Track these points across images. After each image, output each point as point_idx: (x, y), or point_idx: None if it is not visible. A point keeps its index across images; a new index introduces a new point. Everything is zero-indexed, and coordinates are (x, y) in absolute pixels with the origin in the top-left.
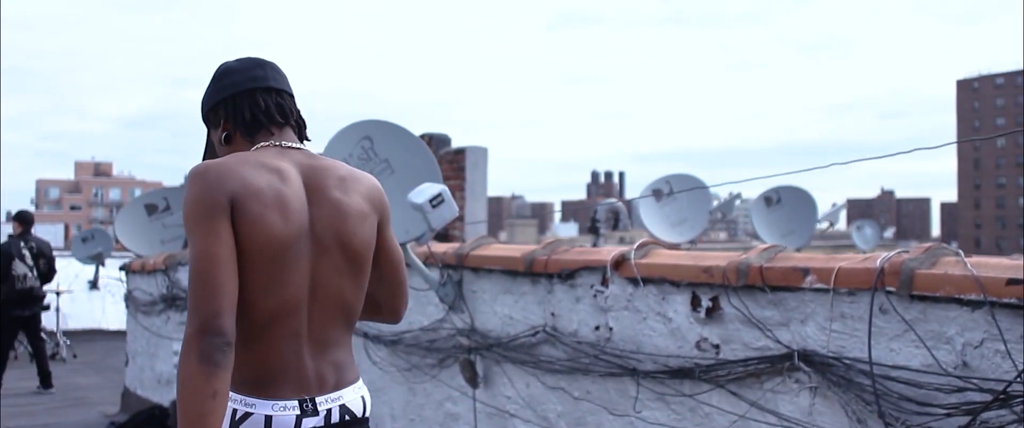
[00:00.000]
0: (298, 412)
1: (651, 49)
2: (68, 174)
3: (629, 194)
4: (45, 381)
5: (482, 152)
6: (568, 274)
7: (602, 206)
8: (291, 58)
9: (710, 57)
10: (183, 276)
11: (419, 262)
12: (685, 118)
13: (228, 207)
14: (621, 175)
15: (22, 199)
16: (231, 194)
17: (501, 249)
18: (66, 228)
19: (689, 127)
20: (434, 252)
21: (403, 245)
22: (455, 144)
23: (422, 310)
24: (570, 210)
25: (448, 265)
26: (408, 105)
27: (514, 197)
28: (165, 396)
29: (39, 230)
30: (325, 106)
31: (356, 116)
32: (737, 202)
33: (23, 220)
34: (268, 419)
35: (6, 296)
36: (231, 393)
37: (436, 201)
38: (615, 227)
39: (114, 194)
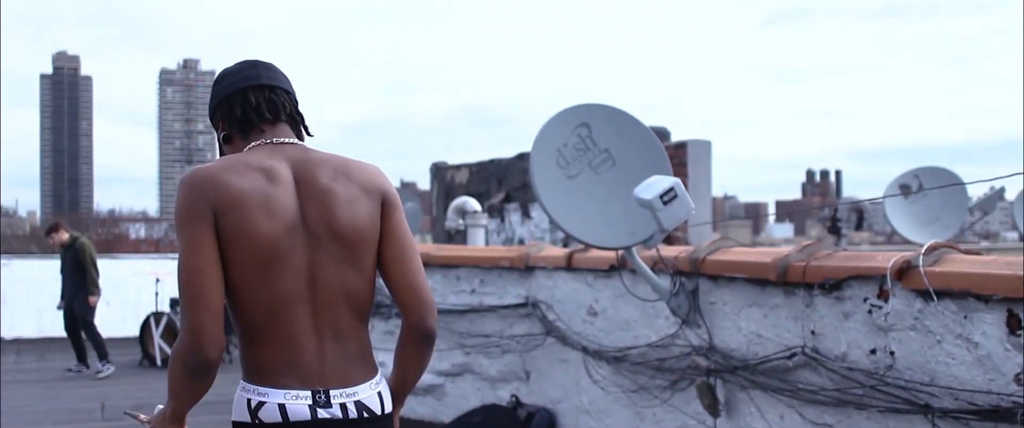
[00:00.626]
0: (311, 402)
1: (866, 43)
2: None
3: (847, 193)
4: None
5: (705, 146)
6: (833, 284)
7: (842, 205)
8: (502, 61)
9: (930, 49)
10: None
11: (646, 268)
12: (905, 113)
13: (210, 215)
14: (838, 173)
15: None
16: (212, 202)
17: (746, 253)
18: None
19: (910, 123)
20: (664, 257)
21: (627, 249)
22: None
23: (650, 323)
24: (785, 210)
25: (681, 272)
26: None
27: (726, 197)
28: None
29: None
30: (537, 109)
31: None
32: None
33: None
34: (282, 407)
35: None
36: (244, 383)
37: (668, 197)
38: (859, 227)
39: None
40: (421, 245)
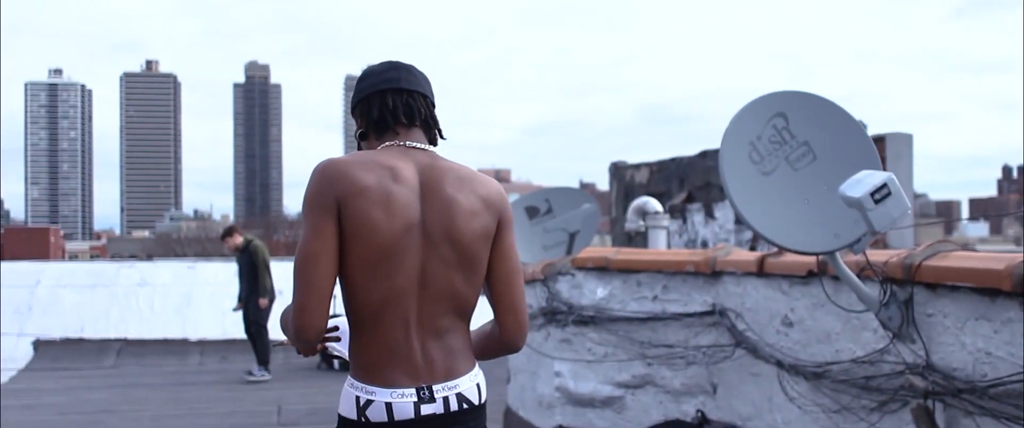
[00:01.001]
0: (416, 399)
1: None
2: None
3: None
4: None
5: (906, 140)
6: None
7: None
8: (679, 59)
9: None
10: (563, 287)
11: (852, 275)
12: None
13: (334, 206)
14: None
15: None
16: (338, 194)
17: (971, 258)
18: None
19: None
20: (872, 262)
21: (830, 253)
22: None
23: (855, 336)
24: (979, 208)
25: (891, 279)
26: None
27: (917, 196)
28: (547, 421)
29: None
30: (718, 107)
31: None
32: None
33: None
34: (388, 406)
35: None
36: (353, 380)
37: (879, 194)
38: None
39: (512, 200)
40: (599, 249)
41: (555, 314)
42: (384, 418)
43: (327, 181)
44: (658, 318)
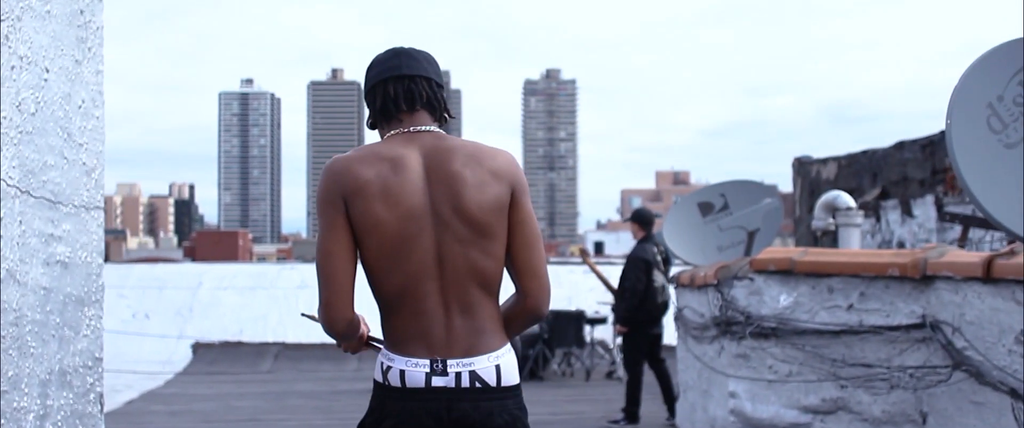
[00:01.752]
0: (428, 370)
1: None
2: (649, 183)
3: None
4: (674, 409)
5: None
6: None
7: None
8: (863, 55)
9: None
10: (740, 293)
11: None
12: None
13: (341, 203)
14: None
15: (607, 208)
16: (342, 191)
17: None
18: None
19: None
20: None
21: None
22: None
23: None
24: None
25: None
26: None
27: None
28: None
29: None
30: (907, 103)
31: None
32: None
33: (643, 220)
34: (402, 373)
35: (646, 312)
36: (384, 349)
37: None
38: None
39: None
40: (782, 249)
41: (730, 325)
42: (398, 383)
43: (331, 180)
44: (854, 331)
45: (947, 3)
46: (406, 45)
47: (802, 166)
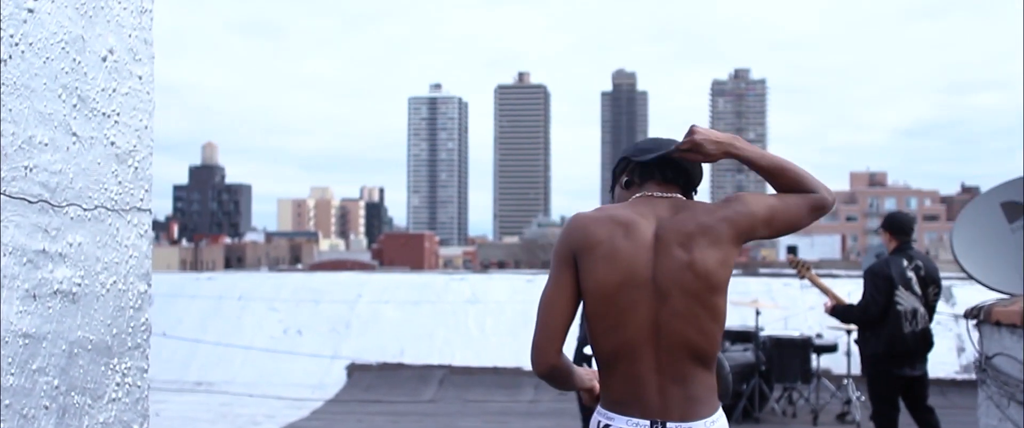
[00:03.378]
0: None
1: None
2: (843, 185)
3: None
4: None
5: None
6: None
7: None
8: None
9: None
10: None
11: None
12: None
13: (571, 258)
14: None
15: None
16: (574, 247)
17: None
18: (842, 240)
19: None
20: None
21: None
22: None
23: None
24: None
25: None
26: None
27: None
28: None
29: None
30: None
31: None
32: None
33: (897, 227)
34: None
35: (886, 345)
36: (599, 407)
37: None
38: None
39: (888, 204)
40: None
41: None
42: None
43: (567, 234)
44: None
45: None
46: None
47: None
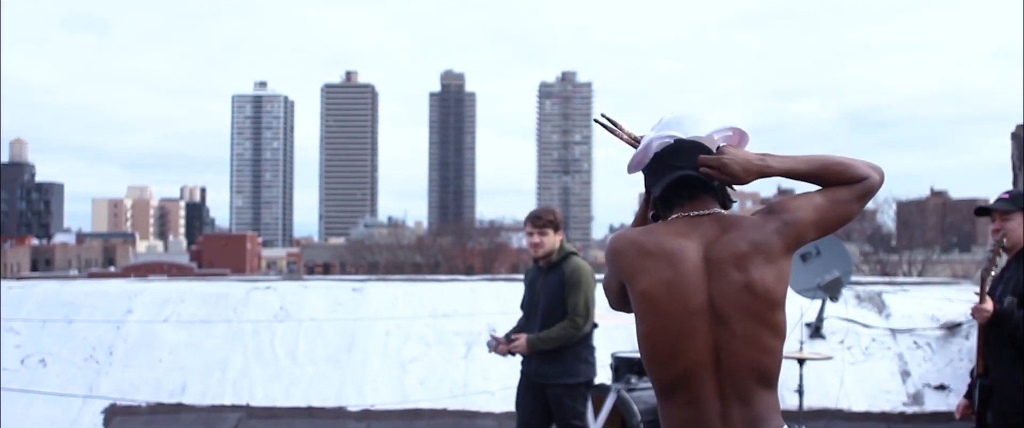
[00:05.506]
0: None
1: None
2: None
3: None
4: None
5: None
6: None
7: None
8: (887, 61)
9: None
10: None
11: None
12: None
13: (619, 279)
14: None
15: (624, 212)
16: (619, 272)
17: None
18: None
19: None
20: None
21: None
22: None
23: None
24: None
25: None
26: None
27: None
28: None
29: None
30: (935, 110)
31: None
32: None
33: None
34: None
35: None
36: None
37: None
38: None
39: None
40: None
41: None
42: None
43: (612, 258)
44: None
45: (981, 5)
46: (684, 139)
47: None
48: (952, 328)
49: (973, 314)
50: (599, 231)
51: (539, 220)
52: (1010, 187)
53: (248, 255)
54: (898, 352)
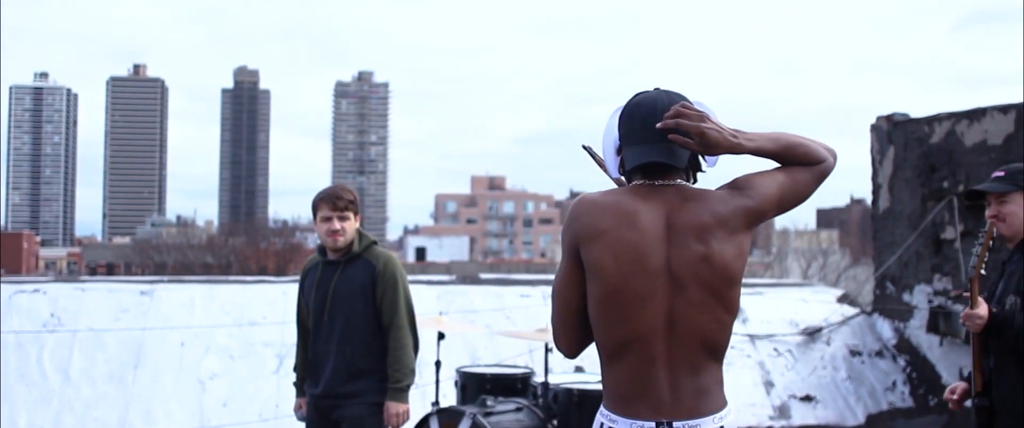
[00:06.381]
0: None
1: None
2: (464, 189)
3: None
4: None
5: None
6: None
7: None
8: (675, 71)
9: None
10: None
11: None
12: None
13: (574, 246)
14: None
15: (421, 213)
16: (575, 235)
17: None
18: (471, 242)
19: None
20: None
21: None
22: None
23: None
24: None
25: None
26: (804, 113)
27: None
28: None
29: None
30: (727, 118)
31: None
32: None
33: None
34: None
35: None
36: (602, 407)
37: None
38: None
39: (508, 207)
40: None
41: None
42: None
43: (572, 222)
44: None
45: (760, 25)
46: (651, 96)
47: (896, 128)
48: (812, 333)
49: (964, 321)
50: (394, 233)
51: (339, 201)
52: (1005, 166)
53: (25, 255)
54: (759, 360)
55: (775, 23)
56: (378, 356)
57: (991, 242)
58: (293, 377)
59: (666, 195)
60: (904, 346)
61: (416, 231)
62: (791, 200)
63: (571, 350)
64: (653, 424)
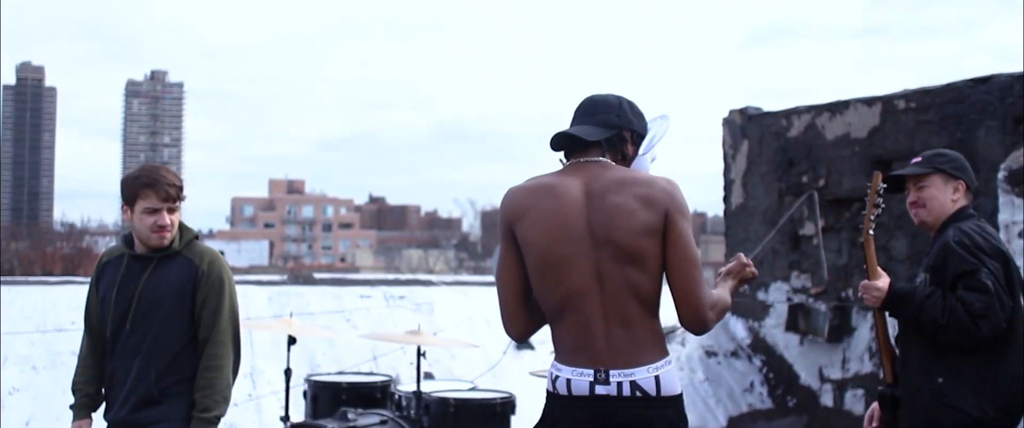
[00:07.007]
0: (592, 379)
1: (851, 63)
2: (262, 192)
3: None
4: None
5: None
6: None
7: None
8: (476, 78)
9: (913, 70)
10: None
11: None
12: None
13: (509, 229)
14: None
15: (217, 217)
16: (508, 217)
17: None
18: (271, 245)
19: None
20: None
21: None
22: None
23: None
24: None
25: None
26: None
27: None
28: None
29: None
30: (514, 126)
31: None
32: None
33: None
34: (569, 382)
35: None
36: (553, 360)
37: None
38: None
39: (307, 211)
40: None
41: None
42: (565, 392)
43: (502, 208)
44: None
45: (552, 40)
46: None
47: (751, 121)
48: (666, 334)
49: (862, 294)
50: None
51: (171, 188)
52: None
53: None
54: None
55: (562, 39)
56: (189, 377)
57: (879, 198)
58: (73, 398)
59: (588, 169)
60: (759, 346)
61: (212, 235)
62: (667, 275)
63: (519, 333)
64: (591, 371)
